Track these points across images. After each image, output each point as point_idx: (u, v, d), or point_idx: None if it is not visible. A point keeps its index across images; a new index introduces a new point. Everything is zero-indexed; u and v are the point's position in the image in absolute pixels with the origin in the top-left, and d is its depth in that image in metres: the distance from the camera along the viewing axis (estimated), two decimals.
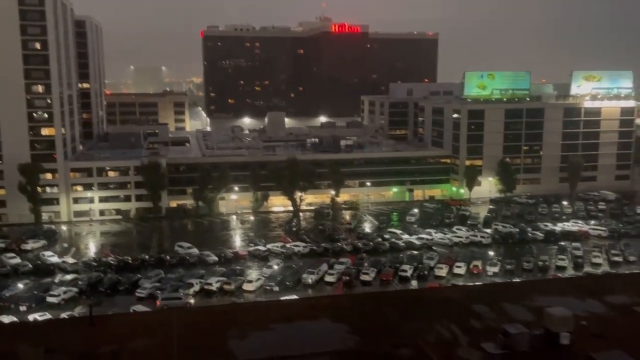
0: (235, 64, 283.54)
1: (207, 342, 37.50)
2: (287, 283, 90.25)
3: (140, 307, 79.50)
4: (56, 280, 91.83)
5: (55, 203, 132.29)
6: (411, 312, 42.52)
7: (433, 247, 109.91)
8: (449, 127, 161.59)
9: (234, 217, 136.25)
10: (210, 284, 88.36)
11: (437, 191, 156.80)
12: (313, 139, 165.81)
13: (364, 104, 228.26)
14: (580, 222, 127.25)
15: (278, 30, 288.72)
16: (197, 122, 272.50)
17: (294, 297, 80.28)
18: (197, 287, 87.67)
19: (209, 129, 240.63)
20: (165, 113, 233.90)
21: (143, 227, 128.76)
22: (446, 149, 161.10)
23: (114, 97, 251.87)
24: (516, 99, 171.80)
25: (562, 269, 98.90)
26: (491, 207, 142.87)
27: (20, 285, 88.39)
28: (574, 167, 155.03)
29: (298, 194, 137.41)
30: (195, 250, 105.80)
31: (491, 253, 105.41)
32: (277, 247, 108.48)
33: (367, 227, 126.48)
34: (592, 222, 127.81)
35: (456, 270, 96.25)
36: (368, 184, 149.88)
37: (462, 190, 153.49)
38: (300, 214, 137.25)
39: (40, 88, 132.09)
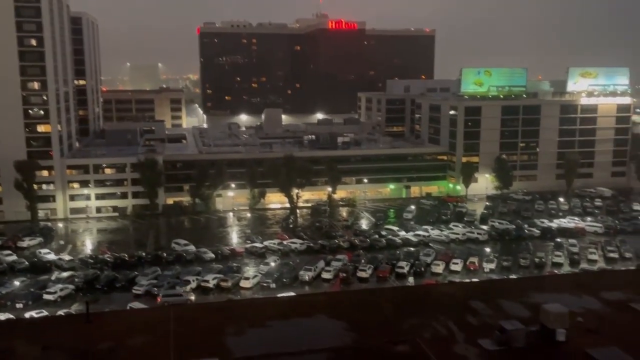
0: (232, 60, 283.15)
1: (204, 339, 37.53)
2: (284, 280, 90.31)
3: (137, 304, 79.38)
4: (53, 278, 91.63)
5: (51, 200, 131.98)
6: (408, 308, 42.61)
7: (430, 244, 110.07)
8: (445, 123, 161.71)
9: (231, 214, 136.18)
10: (207, 281, 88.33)
11: (434, 188, 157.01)
12: (310, 136, 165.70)
13: (360, 100, 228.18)
14: (576, 218, 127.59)
15: (275, 27, 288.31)
16: (193, 119, 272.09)
17: (291, 294, 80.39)
18: (193, 284, 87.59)
19: (205, 125, 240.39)
20: (162, 110, 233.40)
21: (140, 224, 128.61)
22: (443, 145, 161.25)
23: (111, 93, 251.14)
24: (513, 96, 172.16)
25: (558, 265, 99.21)
26: (488, 203, 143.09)
27: (17, 283, 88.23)
28: (570, 164, 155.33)
29: (295, 191, 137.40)
30: (192, 247, 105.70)
31: (488, 250, 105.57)
32: (274, 244, 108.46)
33: (364, 224, 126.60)
34: (589, 218, 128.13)
35: (453, 267, 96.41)
36: (365, 180, 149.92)
37: (458, 187, 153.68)
38: (297, 211, 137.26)
39: (36, 85, 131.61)
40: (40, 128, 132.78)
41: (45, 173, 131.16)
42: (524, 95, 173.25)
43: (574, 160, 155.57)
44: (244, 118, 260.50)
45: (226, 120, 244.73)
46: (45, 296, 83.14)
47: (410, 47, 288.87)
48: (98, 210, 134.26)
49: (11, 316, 75.01)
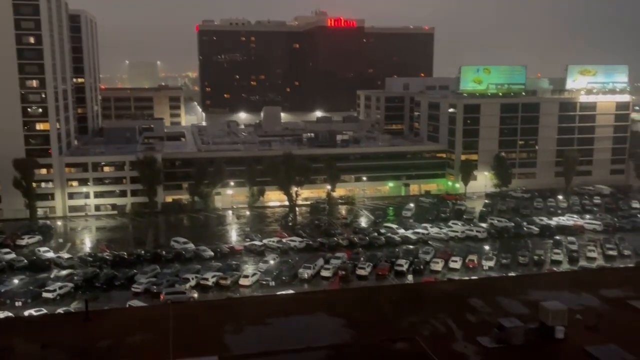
0: (231, 58, 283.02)
1: (203, 336, 37.55)
2: (283, 278, 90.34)
3: (136, 302, 79.36)
4: (52, 276, 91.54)
5: (50, 198, 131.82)
6: (407, 306, 42.67)
7: (429, 242, 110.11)
8: (444, 121, 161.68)
9: (230, 212, 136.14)
10: (207, 279, 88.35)
11: (433, 186, 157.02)
12: (309, 134, 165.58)
13: (360, 98, 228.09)
14: (575, 216, 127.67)
15: (274, 25, 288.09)
16: (192, 116, 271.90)
17: (290, 291, 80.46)
18: (193, 282, 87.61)
19: (204, 123, 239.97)
20: (161, 108, 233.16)
21: (139, 222, 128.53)
22: (442, 143, 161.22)
23: (109, 91, 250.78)
24: (512, 94, 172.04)
25: (557, 263, 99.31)
26: (487, 201, 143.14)
27: (16, 281, 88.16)
28: (569, 162, 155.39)
29: (294, 189, 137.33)
30: (191, 245, 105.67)
31: (487, 247, 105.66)
32: (273, 242, 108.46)
33: (363, 222, 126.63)
34: (587, 216, 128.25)
35: (452, 265, 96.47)
36: (364, 178, 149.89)
37: (457, 185, 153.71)
38: (297, 208, 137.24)
39: (34, 83, 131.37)
40: (39, 126, 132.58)
41: (44, 171, 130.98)
42: (523, 93, 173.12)
43: (573, 158, 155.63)
44: (243, 116, 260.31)
45: (225, 118, 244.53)
46: (45, 294, 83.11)
47: (409, 44, 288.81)
48: (97, 208, 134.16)
49: (10, 314, 75.01)
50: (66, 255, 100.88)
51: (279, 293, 78.39)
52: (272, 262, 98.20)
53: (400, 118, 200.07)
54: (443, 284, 64.61)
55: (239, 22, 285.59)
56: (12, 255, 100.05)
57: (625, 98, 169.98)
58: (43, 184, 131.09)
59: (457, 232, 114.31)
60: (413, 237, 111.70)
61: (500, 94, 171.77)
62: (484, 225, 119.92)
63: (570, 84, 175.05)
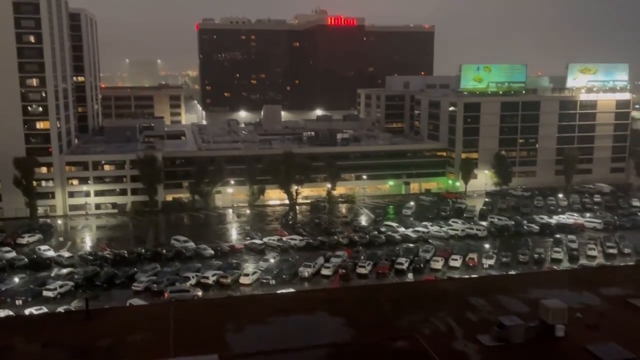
0: (231, 57, 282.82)
1: (204, 335, 37.58)
2: (284, 276, 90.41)
3: (136, 301, 79.49)
4: (52, 274, 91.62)
5: (50, 197, 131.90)
6: (407, 304, 42.67)
7: (429, 240, 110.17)
8: (445, 120, 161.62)
9: (230, 210, 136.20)
10: (207, 278, 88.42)
11: (433, 184, 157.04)
12: (309, 132, 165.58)
13: (360, 97, 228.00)
14: (575, 214, 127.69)
15: (274, 23, 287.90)
16: (193, 115, 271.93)
17: (291, 290, 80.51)
18: (193, 281, 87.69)
19: (204, 122, 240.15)
20: (161, 106, 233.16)
21: (139, 221, 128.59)
22: (442, 142, 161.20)
23: (110, 90, 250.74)
24: (512, 92, 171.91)
25: (557, 261, 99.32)
26: (487, 200, 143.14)
27: (16, 280, 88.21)
28: (569, 160, 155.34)
29: (294, 188, 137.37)
30: (191, 244, 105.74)
31: (487, 246, 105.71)
32: (273, 240, 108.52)
33: (364, 220, 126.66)
34: (588, 214, 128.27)
35: (452, 263, 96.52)
36: (364, 177, 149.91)
37: (458, 183, 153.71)
38: (297, 207, 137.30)
39: (34, 81, 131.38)
40: (39, 125, 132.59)
41: (44, 170, 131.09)
42: (524, 92, 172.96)
43: (573, 156, 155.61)
44: (243, 114, 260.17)
45: (225, 116, 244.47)
46: (45, 293, 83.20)
47: (409, 43, 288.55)
48: (97, 207, 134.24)
49: (11, 313, 75.05)
50: (67, 254, 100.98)
51: (279, 292, 78.45)
52: (272, 260, 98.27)
53: (400, 116, 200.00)
54: (443, 283, 64.62)
55: (239, 20, 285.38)
56: (13, 254, 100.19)
57: (626, 96, 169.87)
58: (43, 183, 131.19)
59: (457, 230, 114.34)
60: (413, 235, 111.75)
61: (501, 92, 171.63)
62: (484, 223, 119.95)
63: (570, 82, 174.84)
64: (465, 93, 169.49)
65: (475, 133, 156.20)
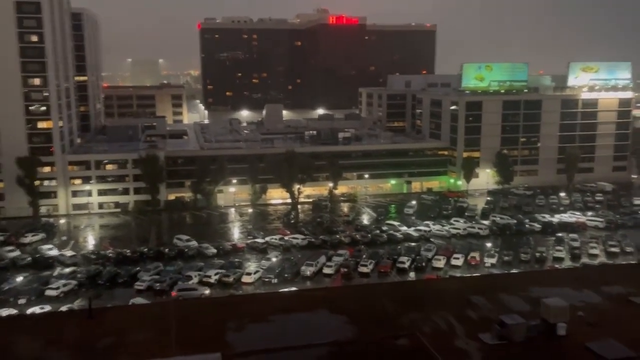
0: (233, 56, 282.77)
1: (206, 333, 37.72)
2: (286, 275, 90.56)
3: (139, 300, 79.75)
4: (55, 273, 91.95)
5: (53, 196, 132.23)
6: (409, 303, 42.78)
7: (431, 239, 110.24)
8: (446, 119, 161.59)
9: (232, 209, 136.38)
10: (209, 276, 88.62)
11: (435, 183, 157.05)
12: (311, 132, 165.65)
13: (361, 96, 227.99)
14: (577, 213, 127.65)
15: (275, 22, 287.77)
16: (194, 114, 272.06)
17: (293, 289, 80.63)
18: (196, 280, 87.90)
19: (206, 121, 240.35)
20: (163, 106, 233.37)
21: (142, 220, 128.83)
22: (444, 140, 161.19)
23: (112, 89, 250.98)
24: (514, 91, 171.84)
25: (559, 260, 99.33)
26: (489, 198, 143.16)
27: (20, 279, 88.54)
28: (571, 159, 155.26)
29: (296, 187, 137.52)
30: (194, 243, 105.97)
31: (489, 244, 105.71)
32: (275, 239, 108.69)
33: (365, 219, 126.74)
34: (590, 213, 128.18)
35: (454, 262, 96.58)
36: (366, 176, 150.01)
37: (459, 182, 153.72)
38: (299, 206, 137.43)
39: (37, 81, 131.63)
40: (42, 124, 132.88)
41: (47, 169, 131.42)
42: (525, 90, 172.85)
43: (575, 154, 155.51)
44: (245, 114, 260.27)
45: (227, 116, 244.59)
46: (48, 292, 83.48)
47: (411, 42, 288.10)
48: (100, 206, 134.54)
49: (14, 312, 75.34)
50: (69, 253, 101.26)
51: (281, 290, 78.62)
52: (274, 259, 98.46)
53: (402, 115, 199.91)
54: (445, 281, 64.74)
55: (240, 20, 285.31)
56: (16, 253, 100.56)
57: (628, 95, 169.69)
58: (46, 182, 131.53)
59: (459, 229, 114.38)
60: (415, 234, 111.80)
61: (502, 91, 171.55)
62: (486, 222, 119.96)
63: (572, 80, 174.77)
64: (467, 92, 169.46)
65: (477, 132, 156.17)
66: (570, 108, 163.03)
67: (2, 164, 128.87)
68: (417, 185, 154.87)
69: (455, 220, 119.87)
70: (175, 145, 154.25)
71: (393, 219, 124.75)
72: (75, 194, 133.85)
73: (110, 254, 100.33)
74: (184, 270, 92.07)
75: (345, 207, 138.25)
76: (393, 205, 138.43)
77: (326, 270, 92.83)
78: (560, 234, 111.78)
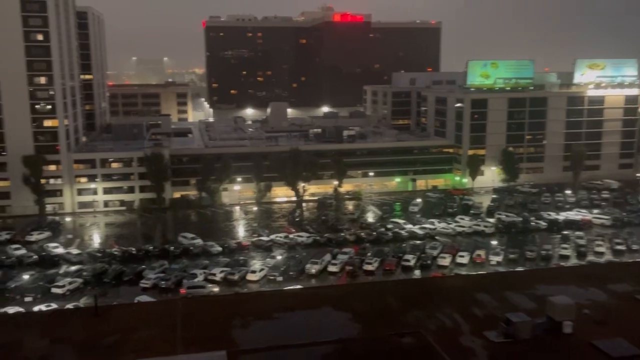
0: (238, 54, 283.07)
1: (211, 331, 37.77)
2: (291, 273, 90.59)
3: (144, 298, 79.94)
4: (61, 271, 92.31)
5: (59, 194, 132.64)
6: (414, 301, 42.73)
7: (436, 237, 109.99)
8: (451, 116, 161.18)
9: (237, 207, 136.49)
10: (214, 275, 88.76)
11: (440, 181, 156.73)
12: (315, 129, 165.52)
13: (366, 93, 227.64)
14: (583, 211, 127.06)
15: (280, 20, 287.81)
16: (199, 113, 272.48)
17: (298, 286, 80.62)
18: (201, 278, 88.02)
19: (211, 119, 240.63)
20: (168, 104, 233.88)
21: (147, 218, 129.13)
22: (449, 138, 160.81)
23: (117, 88, 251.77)
24: (519, 88, 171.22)
25: (565, 258, 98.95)
26: (494, 196, 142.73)
27: (26, 277, 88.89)
28: (577, 156, 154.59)
29: (301, 185, 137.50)
30: (199, 241, 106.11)
31: (494, 242, 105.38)
32: (280, 237, 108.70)
33: (370, 217, 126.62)
34: (596, 211, 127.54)
35: (459, 260, 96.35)
36: (371, 174, 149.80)
37: (465, 180, 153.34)
38: (304, 204, 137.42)
39: (42, 79, 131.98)
40: (47, 123, 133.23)
41: (52, 168, 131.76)
42: (531, 88, 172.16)
43: (581, 152, 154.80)
44: (249, 112, 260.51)
45: (232, 114, 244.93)
46: (54, 290, 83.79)
47: (416, 39, 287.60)
48: (105, 204, 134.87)
49: (21, 309, 75.66)
50: (75, 251, 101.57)
51: (286, 288, 78.62)
52: (279, 257, 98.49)
53: (407, 113, 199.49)
54: (450, 279, 64.65)
55: (245, 18, 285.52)
56: (22, 251, 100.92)
57: (634, 92, 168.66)
58: (52, 181, 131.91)
59: (464, 227, 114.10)
60: (420, 232, 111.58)
61: (508, 88, 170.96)
62: (491, 220, 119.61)
63: (578, 78, 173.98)
64: (472, 89, 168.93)
65: (482, 129, 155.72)
66: (577, 105, 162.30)
67: (7, 162, 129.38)
68: (422, 183, 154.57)
69: (460, 218, 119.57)
70: (180, 144, 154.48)
71: (398, 216, 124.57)
72: (80, 192, 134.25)
73: (116, 252, 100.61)
74: (189, 268, 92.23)
75: (350, 205, 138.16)
76: (398, 203, 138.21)
77: (331, 268, 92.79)
78: (566, 232, 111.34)
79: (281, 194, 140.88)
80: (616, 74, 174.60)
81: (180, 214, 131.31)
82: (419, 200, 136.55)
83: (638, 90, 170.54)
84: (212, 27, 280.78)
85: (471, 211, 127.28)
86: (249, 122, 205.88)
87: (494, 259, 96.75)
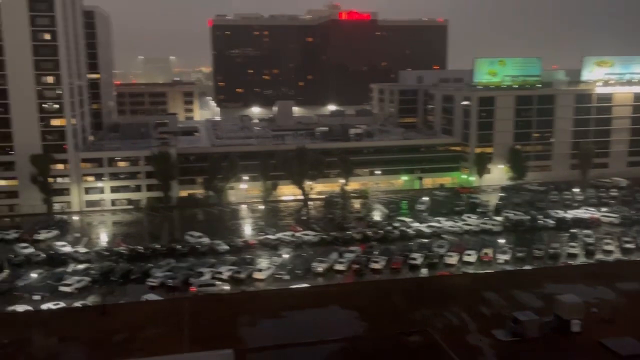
0: (244, 53, 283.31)
1: (218, 330, 37.81)
2: (297, 271, 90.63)
3: (152, 296, 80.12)
4: (69, 270, 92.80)
5: (66, 193, 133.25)
6: (421, 299, 42.60)
7: (443, 235, 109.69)
8: (459, 114, 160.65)
9: (244, 206, 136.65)
10: (221, 273, 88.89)
11: (447, 179, 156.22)
12: (322, 128, 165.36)
13: (373, 91, 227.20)
14: (591, 209, 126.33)
15: (286, 19, 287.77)
16: (206, 111, 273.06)
17: (304, 285, 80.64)
18: (208, 276, 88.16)
19: (218, 118, 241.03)
20: (175, 103, 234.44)
21: (154, 217, 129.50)
22: (456, 136, 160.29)
23: (124, 87, 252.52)
24: (527, 86, 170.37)
25: (573, 256, 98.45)
26: (502, 194, 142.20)
27: (34, 275, 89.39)
28: (585, 154, 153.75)
29: (307, 183, 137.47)
30: (206, 240, 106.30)
31: (502, 241, 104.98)
32: (287, 235, 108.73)
33: (377, 216, 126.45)
34: (604, 209, 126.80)
35: (466, 258, 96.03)
36: (378, 172, 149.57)
37: (472, 178, 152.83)
38: (310, 202, 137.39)
39: (50, 79, 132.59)
40: (55, 122, 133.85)
41: (60, 166, 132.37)
42: (539, 85, 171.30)
43: (589, 150, 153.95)
44: (256, 110, 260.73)
45: (238, 112, 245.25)
46: (62, 288, 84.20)
47: (422, 37, 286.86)
48: (113, 203, 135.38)
49: (29, 308, 76.04)
50: (83, 250, 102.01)
51: (293, 287, 78.63)
52: (286, 256, 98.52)
53: (414, 111, 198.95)
54: (457, 278, 64.44)
55: (252, 16, 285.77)
56: (30, 250, 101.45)
57: None
58: (59, 179, 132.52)
59: (471, 225, 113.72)
60: (427, 230, 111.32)
61: (515, 86, 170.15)
62: (498, 218, 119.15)
63: (586, 75, 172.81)
64: (480, 87, 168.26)
65: (489, 127, 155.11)
66: (585, 103, 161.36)
67: (15, 161, 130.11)
68: (429, 182, 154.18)
69: (467, 217, 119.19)
70: (187, 142, 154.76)
71: (405, 215, 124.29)
72: (88, 191, 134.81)
73: (123, 251, 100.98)
74: (196, 266, 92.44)
75: (356, 204, 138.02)
76: (405, 202, 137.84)
77: (338, 267, 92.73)
78: (574, 230, 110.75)
79: (288, 192, 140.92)
80: (625, 71, 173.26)
81: (187, 212, 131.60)
82: (426, 198, 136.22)
83: None
84: (218, 26, 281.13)
85: (478, 209, 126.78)
86: (256, 121, 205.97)
87: (502, 257, 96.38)
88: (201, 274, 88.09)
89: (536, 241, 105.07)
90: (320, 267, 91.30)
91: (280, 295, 50.72)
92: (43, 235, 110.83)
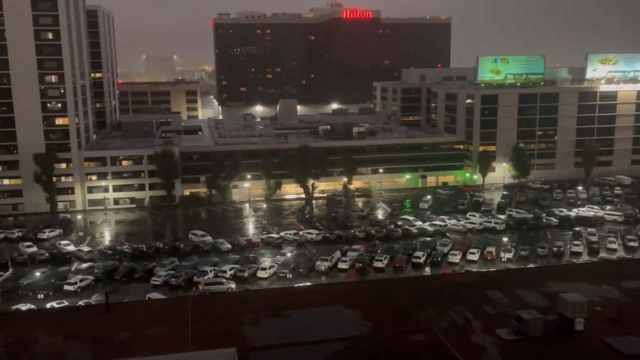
0: (247, 51, 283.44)
1: (221, 328, 37.81)
2: (301, 270, 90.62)
3: (155, 295, 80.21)
4: (72, 269, 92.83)
5: (70, 192, 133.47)
6: (424, 298, 42.54)
7: (446, 234, 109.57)
8: (462, 112, 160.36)
9: (247, 204, 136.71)
10: (224, 272, 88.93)
11: (451, 177, 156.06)
12: (325, 126, 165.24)
13: (376, 90, 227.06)
14: (595, 207, 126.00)
15: (289, 17, 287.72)
16: (209, 110, 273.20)
17: (308, 284, 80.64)
18: (211, 275, 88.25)
19: (221, 117, 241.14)
20: (178, 102, 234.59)
21: (157, 216, 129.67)
22: (459, 134, 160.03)
23: (127, 86, 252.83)
24: (530, 84, 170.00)
25: (577, 254, 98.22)
26: (505, 192, 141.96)
27: (38, 274, 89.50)
28: (589, 152, 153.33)
29: (310, 182, 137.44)
30: (209, 238, 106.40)
31: (505, 239, 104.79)
32: (290, 234, 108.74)
33: (380, 214, 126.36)
34: (608, 207, 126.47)
35: (470, 257, 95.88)
36: (381, 170, 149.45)
37: (475, 176, 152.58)
38: (313, 201, 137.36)
39: (53, 78, 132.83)
40: (58, 121, 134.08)
41: (63, 165, 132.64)
42: (542, 83, 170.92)
43: (593, 148, 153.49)
44: (259, 109, 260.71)
45: (241, 111, 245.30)
46: (66, 287, 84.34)
47: (425, 35, 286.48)
48: (116, 202, 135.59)
49: (32, 306, 76.25)
50: (86, 249, 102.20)
51: (296, 285, 78.67)
52: (289, 254, 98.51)
53: (417, 109, 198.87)
54: (461, 276, 64.34)
55: (254, 15, 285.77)
56: (34, 249, 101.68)
57: None
58: (63, 178, 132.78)
59: (475, 223, 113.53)
60: (430, 229, 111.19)
61: (519, 84, 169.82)
62: (502, 216, 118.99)
63: (590, 73, 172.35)
64: (483, 85, 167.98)
65: (492, 125, 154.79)
66: (588, 101, 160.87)
67: (19, 160, 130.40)
68: (432, 180, 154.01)
69: (471, 215, 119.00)
70: (190, 141, 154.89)
71: (408, 213, 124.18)
72: (91, 189, 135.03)
73: (127, 250, 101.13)
74: (200, 265, 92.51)
75: (359, 202, 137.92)
76: (408, 200, 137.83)
77: (341, 265, 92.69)
78: (577, 228, 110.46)
79: (291, 191, 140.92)
80: (629, 69, 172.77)
81: (190, 211, 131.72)
82: (429, 197, 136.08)
83: None
84: (220, 25, 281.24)
85: (482, 208, 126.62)
86: (258, 120, 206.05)
87: (505, 255, 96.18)
88: (205, 273, 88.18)
89: (540, 239, 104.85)
90: (323, 266, 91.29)
91: (283, 294, 50.72)
92: (47, 234, 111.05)
